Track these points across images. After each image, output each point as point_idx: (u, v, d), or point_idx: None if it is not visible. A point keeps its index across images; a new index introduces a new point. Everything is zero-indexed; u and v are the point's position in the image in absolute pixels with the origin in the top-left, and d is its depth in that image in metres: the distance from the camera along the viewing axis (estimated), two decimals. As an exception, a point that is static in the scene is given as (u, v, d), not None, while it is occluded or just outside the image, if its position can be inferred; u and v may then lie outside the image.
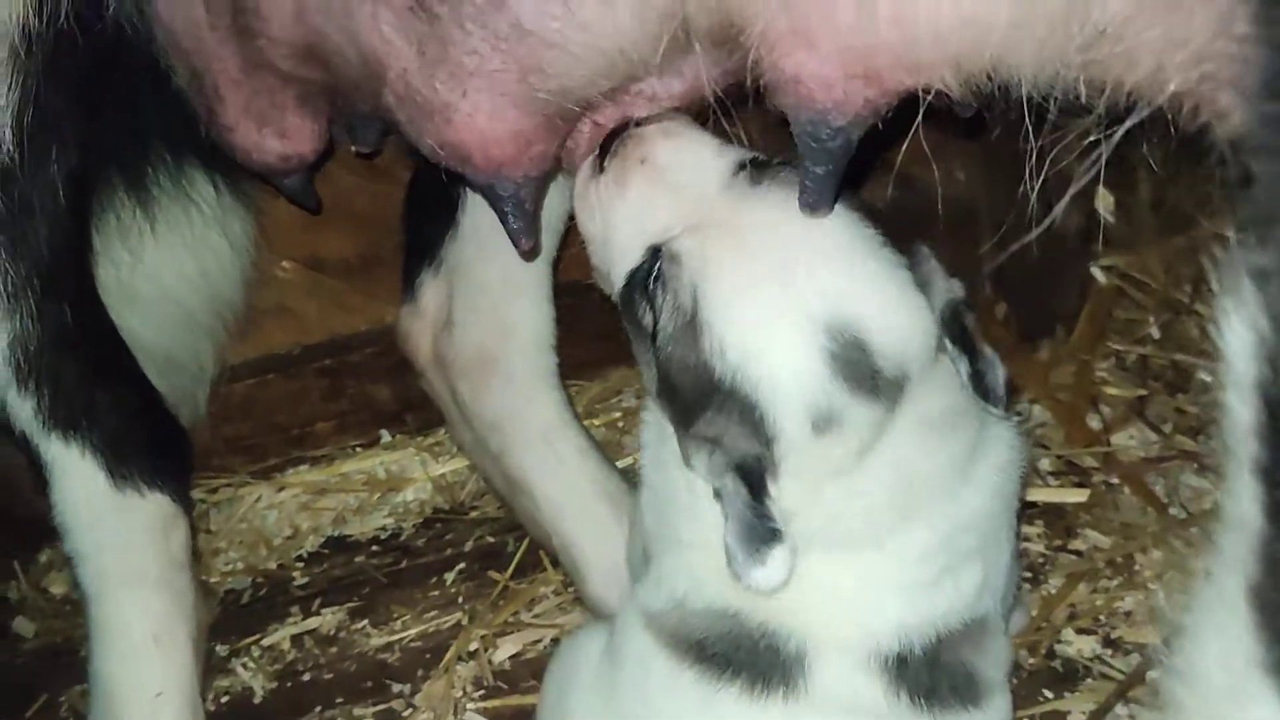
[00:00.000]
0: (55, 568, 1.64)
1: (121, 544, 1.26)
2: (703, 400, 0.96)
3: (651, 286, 0.99)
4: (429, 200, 1.41)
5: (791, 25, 0.87)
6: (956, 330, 0.99)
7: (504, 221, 1.05)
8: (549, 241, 1.37)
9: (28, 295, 1.14)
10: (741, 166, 1.00)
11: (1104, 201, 1.70)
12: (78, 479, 1.24)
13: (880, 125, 0.93)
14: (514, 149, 0.99)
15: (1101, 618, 1.38)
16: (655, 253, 0.99)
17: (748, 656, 1.00)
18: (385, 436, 1.76)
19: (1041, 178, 1.07)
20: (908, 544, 1.00)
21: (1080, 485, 1.53)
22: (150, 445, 1.28)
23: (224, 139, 1.16)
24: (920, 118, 0.93)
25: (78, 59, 1.07)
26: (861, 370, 0.93)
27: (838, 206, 0.97)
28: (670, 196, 1.00)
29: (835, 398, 0.93)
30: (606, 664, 1.11)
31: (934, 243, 1.87)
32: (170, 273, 1.40)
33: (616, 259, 1.05)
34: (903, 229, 1.51)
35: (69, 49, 1.05)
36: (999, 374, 1.00)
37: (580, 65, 0.95)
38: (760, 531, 0.93)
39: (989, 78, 0.88)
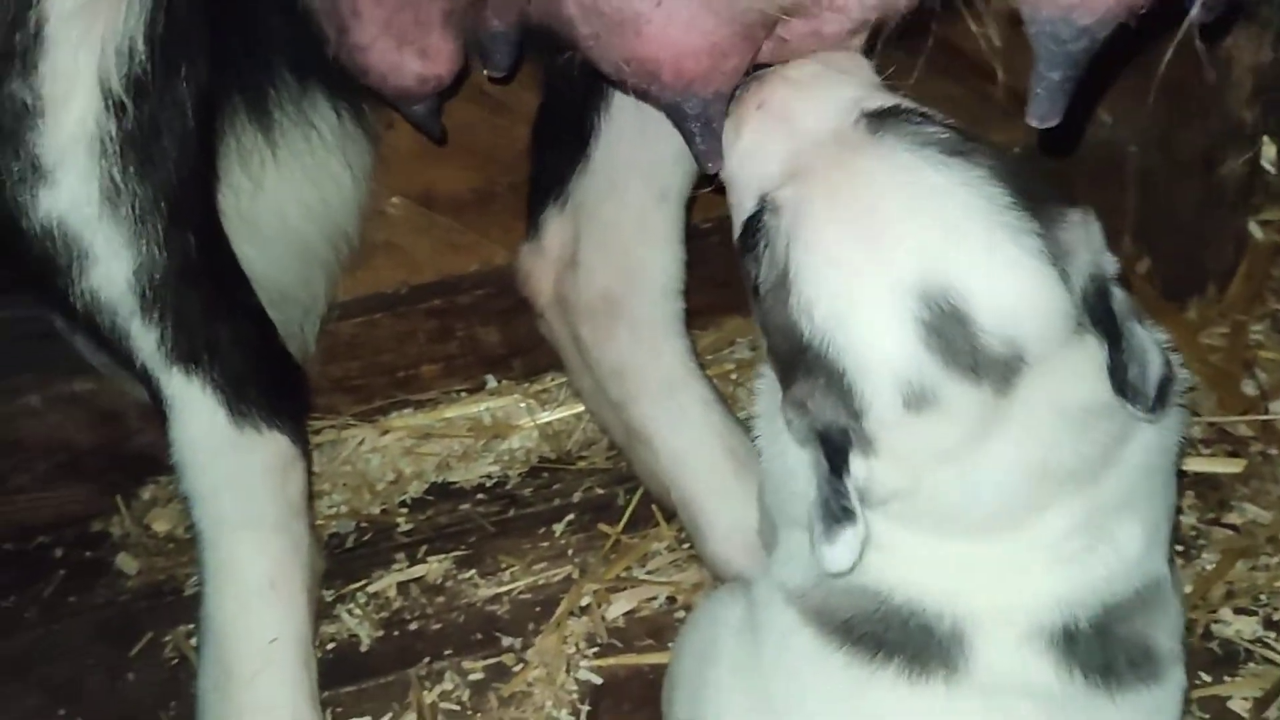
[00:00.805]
0: (158, 504, 1.62)
1: (239, 485, 1.21)
2: (795, 362, 0.88)
3: (755, 237, 0.91)
4: (558, 132, 1.33)
5: None
6: (1099, 311, 0.86)
7: (690, 141, 0.97)
8: (684, 179, 1.29)
9: (155, 221, 1.09)
10: (865, 115, 0.91)
11: (1268, 152, 1.59)
12: (198, 415, 1.19)
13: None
14: (708, 62, 0.90)
15: (1263, 597, 1.28)
16: (764, 202, 0.91)
17: (899, 637, 0.92)
18: (491, 382, 1.70)
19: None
20: (1044, 528, 0.90)
21: (1235, 455, 1.43)
22: (270, 383, 1.23)
23: (355, 60, 1.09)
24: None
25: None
26: (959, 345, 0.83)
27: (961, 160, 0.86)
28: (782, 143, 0.93)
29: (927, 373, 0.83)
30: (747, 639, 1.03)
31: (1073, 191, 1.78)
32: (291, 201, 1.35)
33: (735, 206, 0.98)
34: (1045, 177, 1.42)
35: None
36: (1153, 368, 0.85)
37: None
38: (833, 509, 0.85)
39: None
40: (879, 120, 0.89)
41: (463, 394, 1.70)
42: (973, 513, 0.89)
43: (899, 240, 0.84)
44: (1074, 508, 0.90)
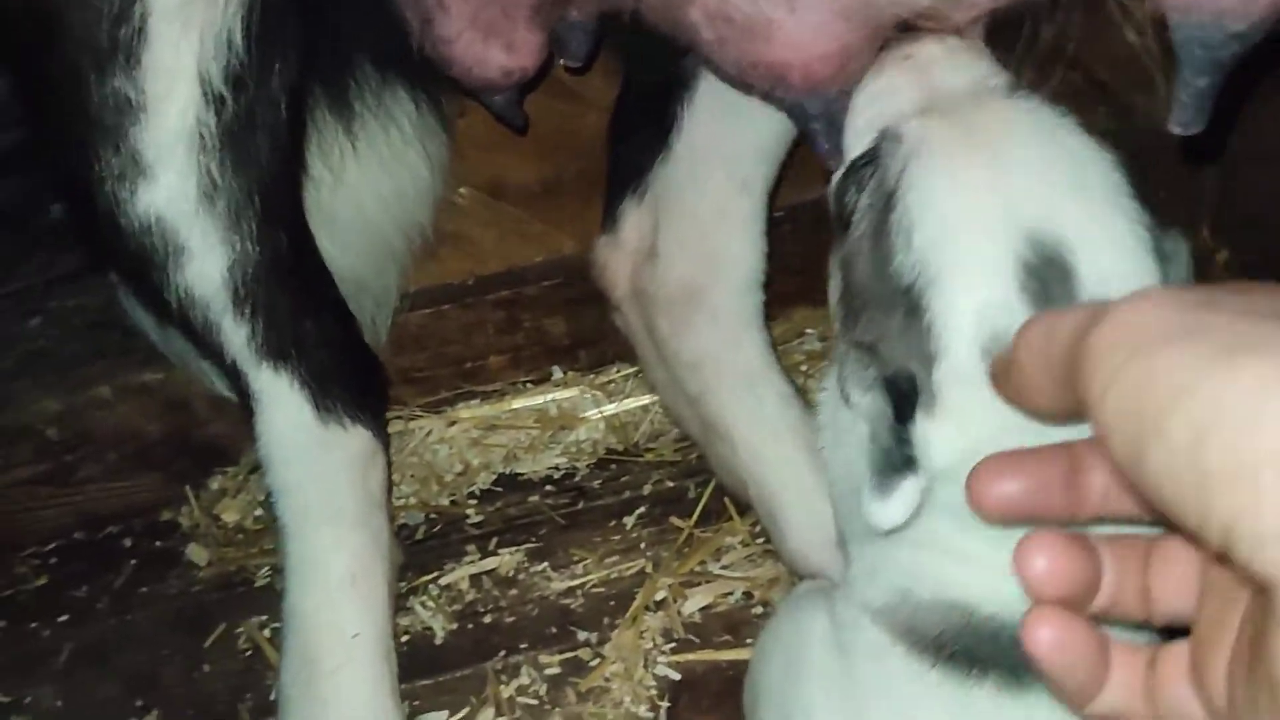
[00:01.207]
0: (227, 494, 1.62)
1: (323, 479, 1.21)
2: (873, 299, 0.83)
3: (864, 168, 0.87)
4: (637, 123, 1.32)
5: None
6: None
7: (812, 140, 0.96)
8: (767, 170, 1.27)
9: (249, 216, 1.09)
10: (1016, 88, 0.89)
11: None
12: (285, 411, 1.19)
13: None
14: (837, 64, 0.89)
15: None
16: (884, 134, 0.87)
17: (992, 651, 0.86)
18: (557, 373, 1.69)
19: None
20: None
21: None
22: (353, 377, 1.23)
23: (440, 52, 1.08)
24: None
25: None
26: (1056, 295, 0.78)
27: (1089, 140, 0.84)
28: (917, 85, 0.90)
29: (1016, 313, 0.77)
30: (836, 656, 0.98)
31: (1150, 180, 1.75)
32: (369, 194, 1.34)
33: (851, 146, 0.94)
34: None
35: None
36: None
37: None
38: (895, 458, 0.79)
39: None
40: (1015, 91, 0.88)
41: (529, 385, 1.69)
42: None
43: (1025, 179, 0.80)
44: None
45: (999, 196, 0.80)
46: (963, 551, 0.85)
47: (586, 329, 1.64)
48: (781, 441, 1.35)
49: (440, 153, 1.41)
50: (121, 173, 1.05)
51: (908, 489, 0.79)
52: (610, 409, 1.66)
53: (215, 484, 1.63)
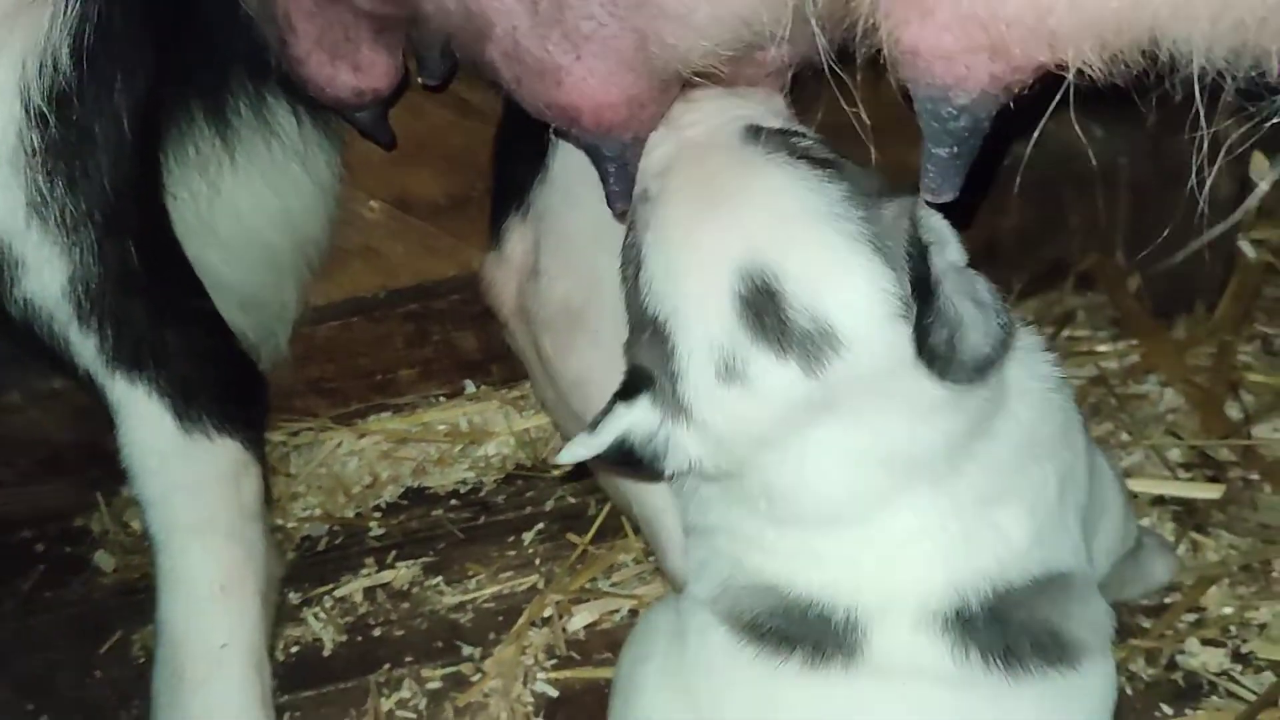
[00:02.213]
0: (138, 502, 1.63)
1: (189, 490, 1.22)
2: (635, 322, 0.98)
3: (630, 224, 1.01)
4: (518, 141, 1.32)
5: None
6: (919, 276, 0.88)
7: (604, 181, 0.99)
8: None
9: (88, 230, 1.10)
10: (744, 129, 0.97)
11: (1259, 168, 1.54)
12: (144, 421, 1.20)
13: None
14: (626, 112, 0.93)
15: (1232, 629, 1.25)
16: (641, 193, 1.01)
17: (800, 629, 0.96)
18: (469, 387, 1.70)
19: (1195, 142, 0.95)
20: (908, 517, 0.94)
21: (1215, 480, 1.40)
22: (222, 389, 1.23)
23: (295, 71, 1.10)
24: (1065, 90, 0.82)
25: None
26: (770, 321, 0.89)
27: (807, 163, 0.92)
28: (666, 145, 1.00)
29: (738, 344, 0.89)
30: (676, 642, 1.07)
31: (1063, 205, 1.74)
32: (250, 207, 1.35)
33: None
34: (1032, 189, 1.39)
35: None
36: (972, 336, 0.87)
37: (702, 36, 0.89)
38: (599, 417, 0.96)
39: (1144, 54, 0.76)
40: (754, 133, 0.95)
41: (441, 399, 1.70)
42: (810, 501, 0.94)
43: (732, 223, 0.91)
44: (934, 495, 0.92)
45: (715, 239, 0.91)
46: (762, 542, 0.97)
47: (498, 343, 1.63)
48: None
49: (329, 166, 1.41)
50: None
51: (577, 448, 0.97)
52: (521, 424, 1.67)
53: (127, 491, 1.63)
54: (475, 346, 1.67)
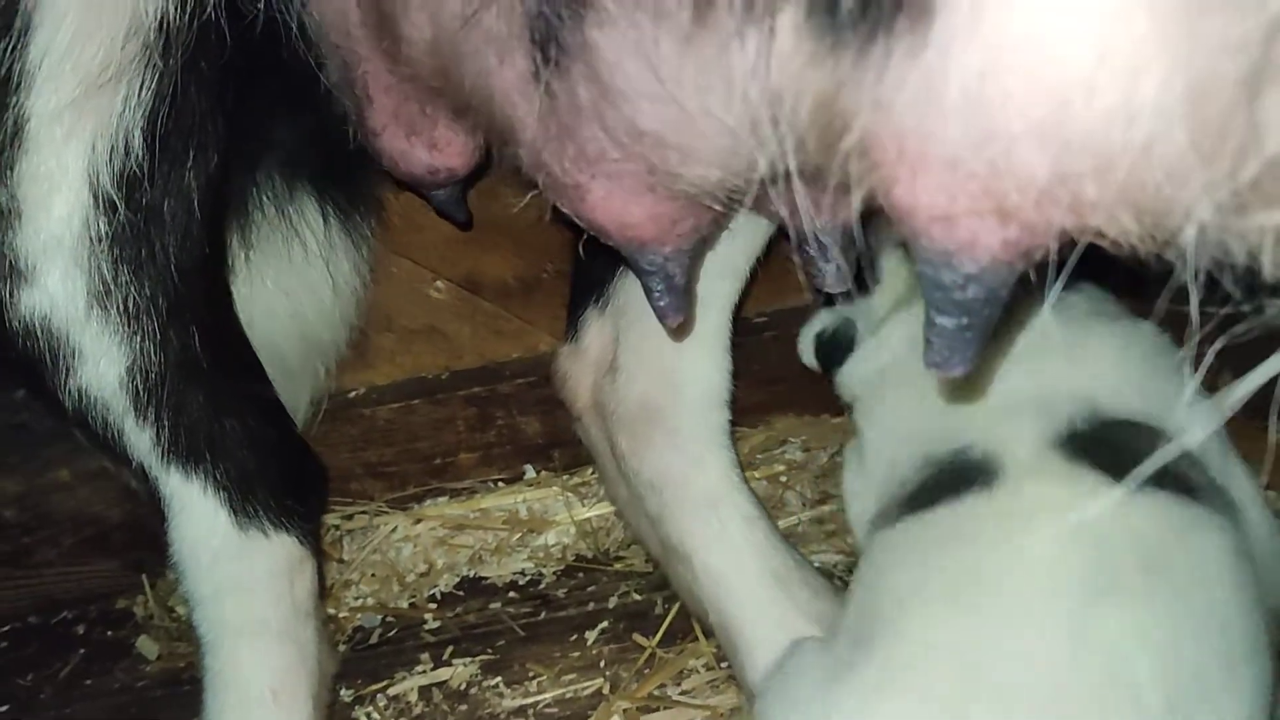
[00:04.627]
0: (185, 595, 1.57)
1: (242, 589, 1.16)
2: None
3: None
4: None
5: (892, 139, 0.64)
6: None
7: (649, 296, 0.93)
8: (730, 286, 1.22)
9: (151, 317, 1.04)
10: None
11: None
12: (198, 517, 1.14)
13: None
14: (655, 230, 0.87)
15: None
16: None
17: (946, 479, 1.05)
18: (530, 472, 1.64)
19: None
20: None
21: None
22: (281, 481, 1.17)
23: (371, 143, 1.05)
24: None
25: (221, 54, 0.96)
26: None
27: None
28: None
29: None
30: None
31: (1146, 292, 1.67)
32: (260, 310, 1.28)
33: None
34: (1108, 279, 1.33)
35: (213, 44, 0.95)
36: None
37: (708, 165, 0.80)
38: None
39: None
40: None
41: (500, 484, 1.64)
42: None
43: None
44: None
45: None
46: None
47: (561, 428, 1.58)
48: (744, 567, 1.27)
49: (350, 276, 1.36)
50: (2, 275, 1.01)
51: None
52: (583, 513, 1.60)
53: (172, 574, 1.58)
54: (539, 431, 1.61)
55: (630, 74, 0.75)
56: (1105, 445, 1.00)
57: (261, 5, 0.95)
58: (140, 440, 1.11)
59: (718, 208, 0.84)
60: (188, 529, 1.15)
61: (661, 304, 0.95)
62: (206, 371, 1.11)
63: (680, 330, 1.03)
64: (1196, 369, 0.71)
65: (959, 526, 1.00)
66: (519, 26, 0.79)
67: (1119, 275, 0.96)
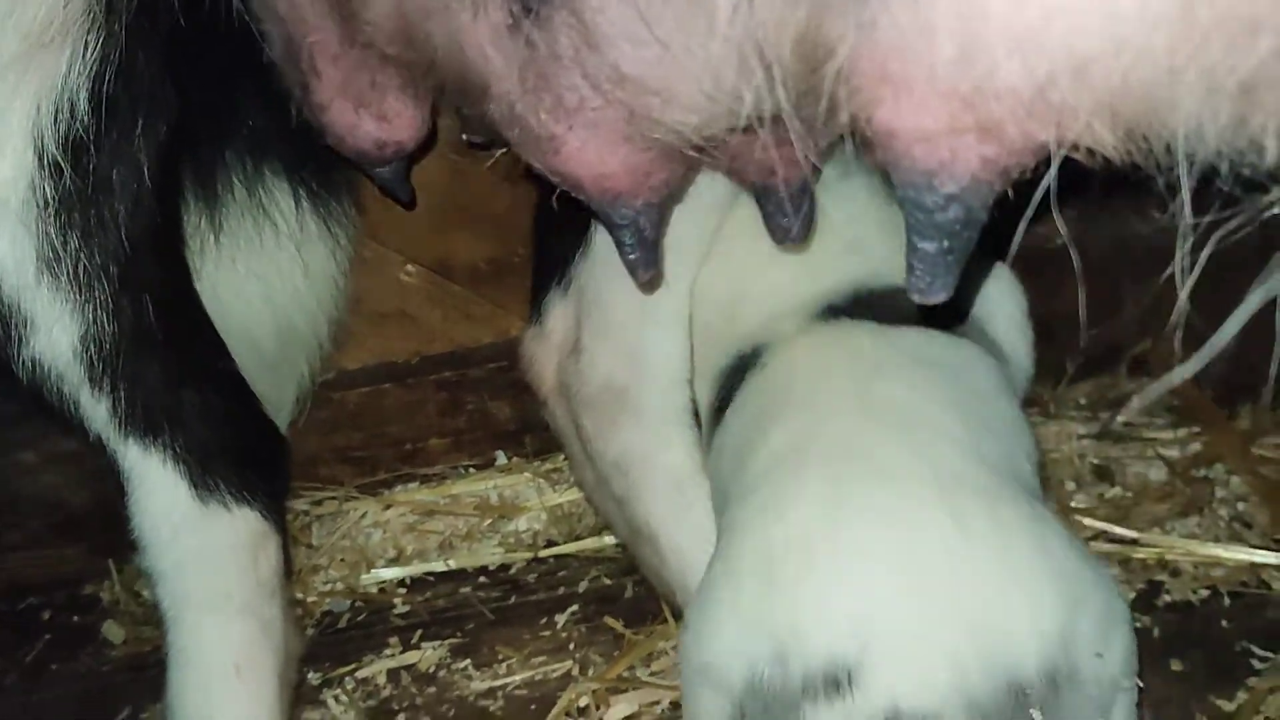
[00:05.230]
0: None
1: (203, 563, 1.15)
2: None
3: None
4: (561, 212, 1.27)
5: (875, 61, 0.66)
6: None
7: (620, 250, 0.94)
8: (689, 267, 1.22)
9: (102, 285, 1.03)
10: None
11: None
12: (157, 490, 1.13)
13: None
14: (630, 181, 0.87)
15: (1309, 736, 1.17)
16: None
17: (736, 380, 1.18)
18: (501, 458, 1.64)
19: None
20: None
21: (1293, 580, 1.33)
22: (242, 455, 1.16)
23: (316, 118, 1.05)
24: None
25: (164, 19, 0.95)
26: None
27: None
28: None
29: None
30: None
31: (1119, 287, 1.68)
32: (229, 292, 1.27)
33: None
34: (1087, 271, 1.33)
35: (160, 10, 0.94)
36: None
37: (687, 111, 0.82)
38: None
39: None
40: None
41: (471, 470, 1.64)
42: None
43: None
44: None
45: None
46: None
47: (533, 413, 1.57)
48: (710, 546, 1.27)
49: (325, 262, 1.35)
50: None
51: None
52: (554, 498, 1.60)
53: (139, 558, 1.57)
54: (510, 417, 1.61)
55: (614, 18, 0.75)
56: (867, 309, 1.14)
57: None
58: (97, 411, 1.10)
59: (692, 155, 0.85)
60: (148, 502, 1.14)
61: (633, 257, 0.96)
62: (162, 342, 1.10)
63: (649, 285, 1.03)
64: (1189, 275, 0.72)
65: (748, 399, 1.13)
66: (496, -21, 0.80)
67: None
